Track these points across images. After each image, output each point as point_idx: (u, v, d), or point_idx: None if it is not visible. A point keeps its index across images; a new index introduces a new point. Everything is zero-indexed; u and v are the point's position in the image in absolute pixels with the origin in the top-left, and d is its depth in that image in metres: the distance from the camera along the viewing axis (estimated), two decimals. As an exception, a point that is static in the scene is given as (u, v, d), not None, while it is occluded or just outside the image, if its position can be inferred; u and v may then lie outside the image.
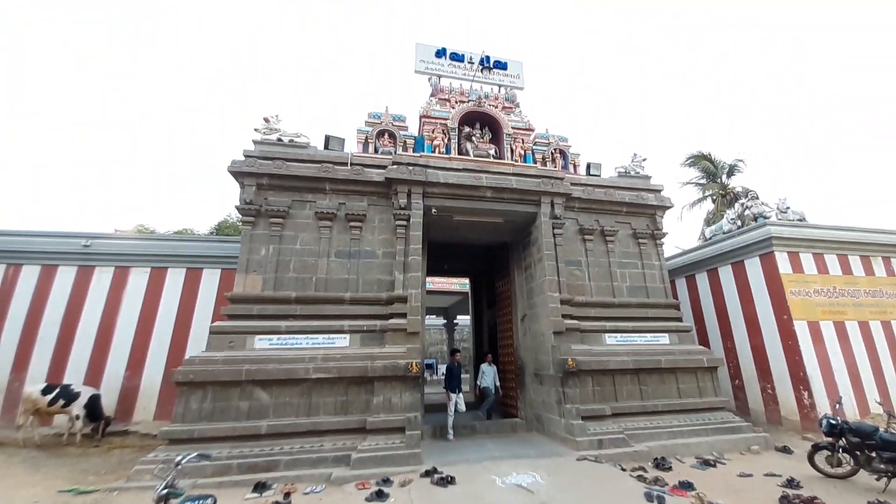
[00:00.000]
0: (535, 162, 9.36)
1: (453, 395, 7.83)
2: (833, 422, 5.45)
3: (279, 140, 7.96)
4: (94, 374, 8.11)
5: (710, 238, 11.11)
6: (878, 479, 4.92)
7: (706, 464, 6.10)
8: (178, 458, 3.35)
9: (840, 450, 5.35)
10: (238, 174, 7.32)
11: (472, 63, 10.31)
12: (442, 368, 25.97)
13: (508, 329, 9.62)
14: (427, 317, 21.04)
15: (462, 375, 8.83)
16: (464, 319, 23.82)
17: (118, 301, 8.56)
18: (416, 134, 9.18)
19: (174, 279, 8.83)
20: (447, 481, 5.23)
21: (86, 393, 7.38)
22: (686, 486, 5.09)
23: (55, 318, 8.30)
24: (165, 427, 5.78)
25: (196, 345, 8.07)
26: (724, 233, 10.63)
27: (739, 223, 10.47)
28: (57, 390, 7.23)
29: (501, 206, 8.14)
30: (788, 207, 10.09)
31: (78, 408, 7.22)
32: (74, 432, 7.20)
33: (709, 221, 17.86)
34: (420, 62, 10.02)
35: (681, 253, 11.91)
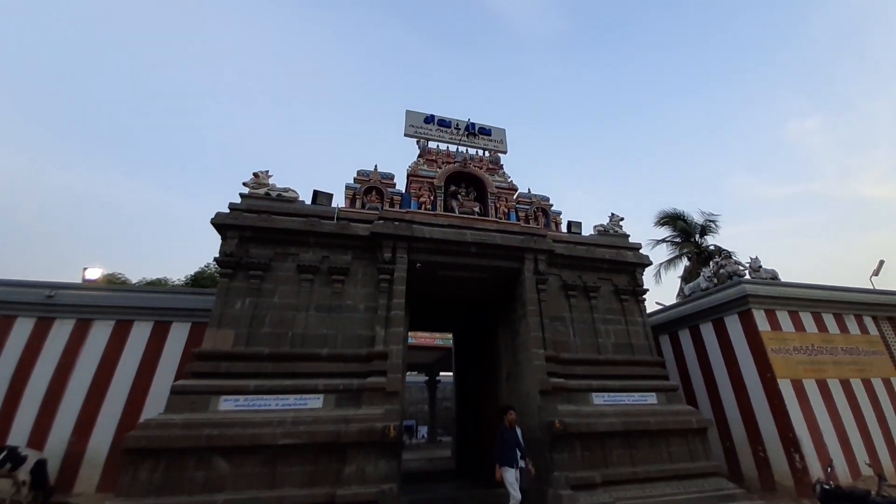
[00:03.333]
0: (518, 220, 9.67)
1: (509, 472, 5.77)
2: (827, 487, 5.35)
3: (267, 194, 8.07)
4: (39, 436, 7.27)
5: (690, 295, 11.34)
6: None
7: (705, 540, 5.66)
8: None
9: (838, 519, 5.11)
10: (221, 226, 7.28)
11: (458, 129, 11.00)
12: (423, 430, 24.39)
13: (493, 388, 9.25)
14: (409, 373, 20.21)
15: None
16: (447, 376, 22.92)
17: (75, 356, 7.94)
18: (404, 191, 9.47)
19: (139, 333, 8.31)
20: (425, 567, 4.66)
21: (32, 457, 6.57)
22: (686, 568, 4.66)
23: (5, 373, 7.58)
24: (108, 502, 5.11)
25: (155, 407, 7.40)
26: (702, 290, 10.88)
27: (715, 281, 10.79)
28: (4, 452, 6.44)
29: (486, 262, 8.23)
30: (760, 266, 10.50)
31: (24, 473, 6.39)
32: (19, 500, 6.32)
33: (686, 279, 18.35)
34: (409, 126, 10.63)
35: (663, 309, 12.04)
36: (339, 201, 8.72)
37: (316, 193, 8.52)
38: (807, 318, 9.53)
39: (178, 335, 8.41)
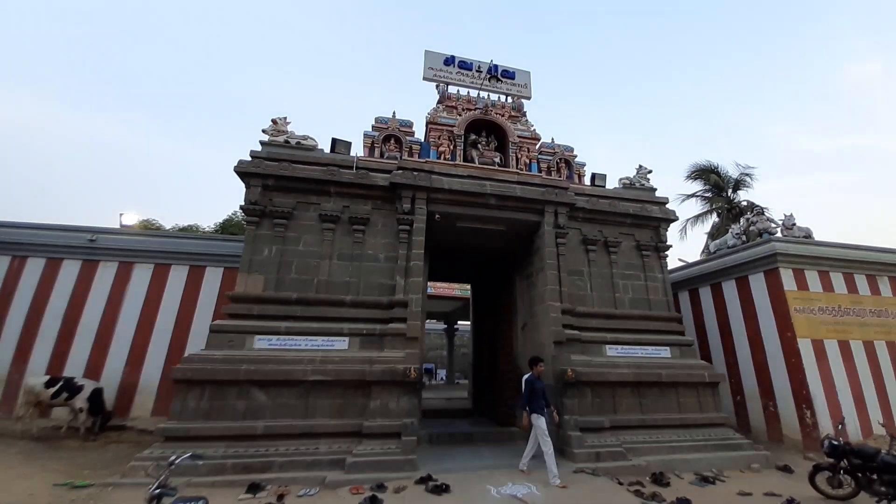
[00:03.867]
0: (540, 171, 9.38)
1: (541, 420, 5.87)
2: (835, 443, 5.39)
3: (286, 142, 8.03)
4: (94, 368, 8.14)
5: (715, 252, 11.04)
6: (878, 502, 4.84)
7: (705, 481, 6.01)
8: (172, 458, 3.38)
9: (841, 471, 5.27)
10: (244, 174, 7.38)
11: (480, 72, 10.38)
12: (442, 373, 25.86)
13: (509, 337, 9.57)
14: (427, 321, 21.03)
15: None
16: (464, 325, 23.77)
17: (121, 297, 8.61)
18: (423, 140, 9.23)
19: (177, 276, 8.88)
20: (441, 489, 5.18)
21: (88, 386, 7.40)
22: (684, 503, 5.02)
23: (58, 312, 8.36)
24: (162, 424, 5.79)
25: (196, 343, 8.09)
26: (728, 247, 10.55)
27: (744, 238, 10.40)
28: (60, 383, 7.27)
29: (505, 214, 8.15)
30: (794, 224, 10.00)
31: (81, 401, 7.26)
32: (77, 426, 7.24)
33: (713, 236, 17.76)
34: (429, 69, 10.10)
35: (684, 266, 11.83)
36: (357, 150, 8.63)
37: (335, 142, 8.42)
38: (837, 279, 9.22)
39: (213, 279, 8.93)
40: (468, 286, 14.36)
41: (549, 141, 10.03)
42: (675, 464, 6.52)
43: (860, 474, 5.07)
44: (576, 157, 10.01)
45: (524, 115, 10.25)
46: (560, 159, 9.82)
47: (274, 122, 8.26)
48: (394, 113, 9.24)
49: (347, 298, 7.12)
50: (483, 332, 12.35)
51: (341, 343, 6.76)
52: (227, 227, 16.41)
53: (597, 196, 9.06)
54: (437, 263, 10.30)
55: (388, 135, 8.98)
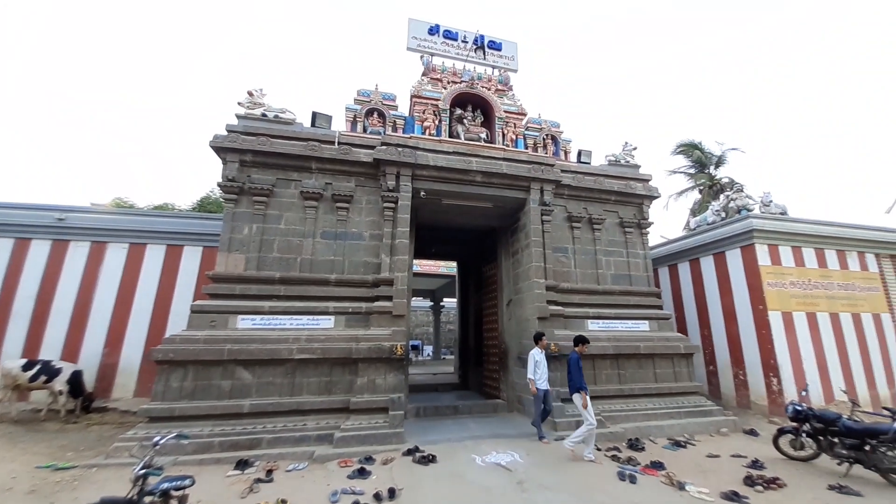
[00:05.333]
0: (526, 147, 9.27)
1: (580, 399, 5.68)
2: (798, 408, 5.71)
3: (263, 115, 7.69)
4: (72, 350, 7.95)
5: (695, 228, 11.29)
6: (839, 464, 5.20)
7: (677, 445, 6.37)
8: (156, 438, 3.36)
9: (804, 434, 5.63)
10: (220, 149, 7.08)
11: (466, 42, 10.03)
12: (428, 349, 26.28)
13: (494, 314, 9.72)
14: (413, 299, 21.14)
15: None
16: (450, 302, 24.03)
17: (95, 277, 8.33)
18: (407, 114, 8.96)
19: (154, 256, 8.62)
20: (428, 460, 5.35)
21: (67, 369, 7.27)
22: (657, 465, 5.32)
23: (29, 293, 8.05)
24: (146, 405, 5.74)
25: (177, 323, 7.96)
26: (708, 224, 10.80)
27: (724, 215, 10.64)
28: (38, 366, 7.11)
29: (491, 191, 8.09)
30: (771, 201, 10.26)
31: (61, 384, 7.14)
32: (58, 408, 7.14)
33: (695, 212, 18.13)
34: (412, 39, 9.70)
35: (665, 242, 12.09)
36: (338, 124, 8.35)
37: (315, 115, 8.11)
38: (809, 254, 9.58)
39: (191, 258, 8.71)
40: (454, 264, 14.41)
41: (536, 116, 9.88)
42: (651, 430, 6.88)
43: (821, 438, 5.41)
44: (562, 133, 9.91)
45: (511, 88, 10.03)
46: (546, 135, 9.71)
47: (250, 93, 7.88)
48: (376, 86, 8.92)
49: (332, 277, 7.05)
50: (469, 308, 12.51)
51: (327, 321, 6.75)
52: (204, 206, 15.88)
53: (582, 173, 9.05)
54: (423, 241, 10.26)
55: (371, 108, 8.69)
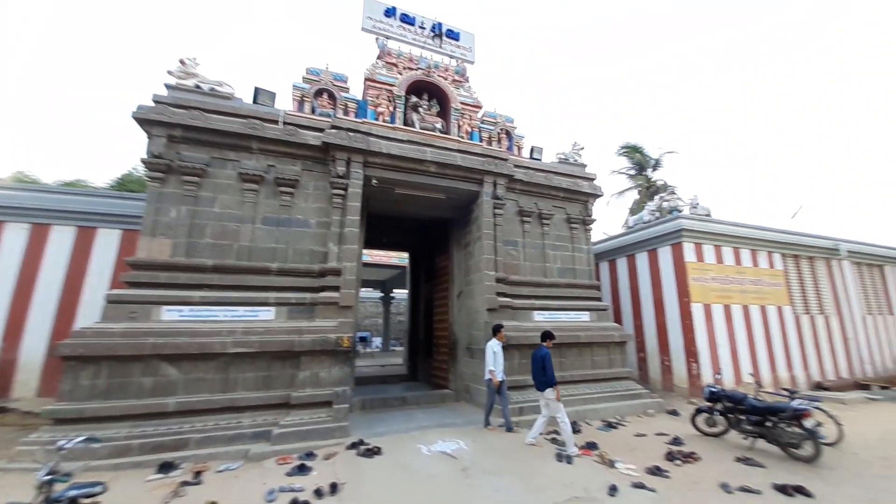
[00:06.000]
0: (481, 140, 9.32)
1: (552, 392, 5.68)
2: (713, 390, 6.37)
3: (197, 87, 6.98)
4: (-45, 345, 6.79)
5: (633, 227, 12.11)
6: (745, 439, 5.86)
7: (609, 426, 6.83)
8: (62, 442, 3.07)
9: (717, 413, 6.28)
10: (145, 122, 6.32)
11: (424, 28, 9.81)
12: (377, 341, 25.91)
13: (444, 305, 9.76)
14: (363, 289, 20.68)
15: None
16: (401, 293, 23.83)
17: (-15, 261, 7.15)
18: (360, 98, 8.61)
19: (61, 239, 7.54)
20: (373, 452, 5.26)
21: None
22: (591, 446, 5.67)
23: None
24: (50, 406, 5.06)
25: (89, 315, 7.08)
26: (644, 223, 11.65)
27: (658, 214, 11.53)
28: None
29: (445, 183, 8.04)
30: (698, 203, 11.31)
31: None
32: None
33: (634, 211, 19.46)
34: (367, 19, 9.30)
35: (606, 239, 12.86)
36: (284, 103, 7.82)
37: (257, 91, 7.53)
38: (727, 252, 10.65)
39: (107, 242, 7.74)
40: (406, 254, 14.25)
41: (492, 110, 9.96)
42: (587, 413, 7.31)
43: (731, 416, 6.07)
44: (516, 128, 10.09)
45: (467, 80, 9.99)
46: (501, 130, 9.83)
47: (182, 62, 7.11)
48: (327, 65, 8.46)
49: (273, 266, 6.63)
50: (420, 299, 12.46)
51: (267, 313, 6.34)
52: (125, 184, 14.26)
53: (534, 169, 9.29)
54: (374, 231, 10.00)
55: (321, 89, 8.23)
